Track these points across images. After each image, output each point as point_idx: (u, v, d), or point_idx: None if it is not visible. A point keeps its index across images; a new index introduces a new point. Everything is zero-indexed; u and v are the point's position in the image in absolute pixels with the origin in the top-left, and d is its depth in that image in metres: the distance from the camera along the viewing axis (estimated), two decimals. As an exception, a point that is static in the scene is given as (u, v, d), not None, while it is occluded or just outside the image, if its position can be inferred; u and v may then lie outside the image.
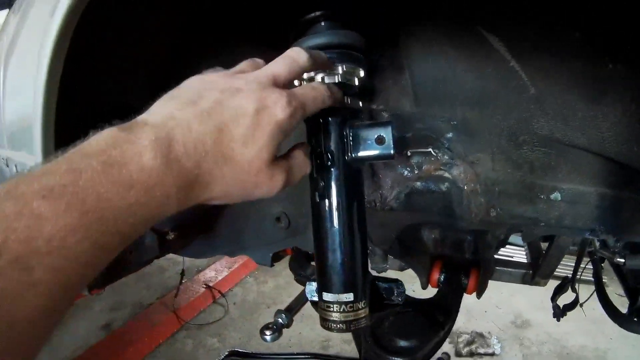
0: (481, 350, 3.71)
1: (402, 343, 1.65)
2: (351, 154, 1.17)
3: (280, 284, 5.20)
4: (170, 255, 2.06)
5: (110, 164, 0.61)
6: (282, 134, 0.82)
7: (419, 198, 1.62)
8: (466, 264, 1.84)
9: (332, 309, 1.26)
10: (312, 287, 1.45)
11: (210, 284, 5.06)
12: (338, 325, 1.26)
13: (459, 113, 1.47)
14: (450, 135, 1.51)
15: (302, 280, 2.10)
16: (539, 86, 1.35)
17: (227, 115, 0.75)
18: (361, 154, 1.17)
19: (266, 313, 4.65)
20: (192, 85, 0.84)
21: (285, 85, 0.88)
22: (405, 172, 1.60)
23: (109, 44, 1.43)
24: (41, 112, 1.25)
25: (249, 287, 5.22)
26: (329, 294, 1.26)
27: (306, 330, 4.13)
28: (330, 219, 1.22)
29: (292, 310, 1.92)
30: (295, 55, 0.96)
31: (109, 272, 1.83)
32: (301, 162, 0.98)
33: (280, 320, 1.83)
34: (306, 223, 1.85)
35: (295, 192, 1.83)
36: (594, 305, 2.19)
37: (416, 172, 1.59)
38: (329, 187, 1.20)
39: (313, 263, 2.05)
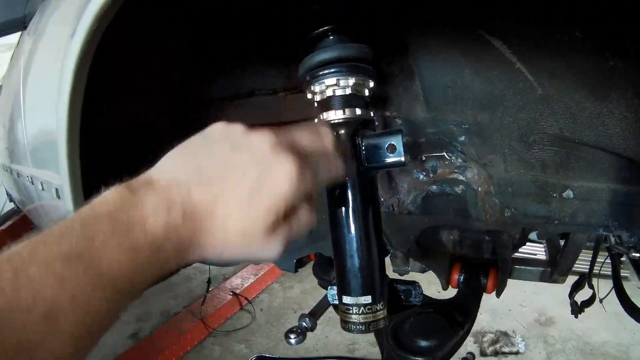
0: (506, 349, 3.70)
1: (423, 343, 1.67)
2: (364, 164, 1.20)
3: (306, 289, 5.21)
4: (197, 264, 2.08)
5: (119, 229, 0.66)
6: (285, 206, 0.80)
7: (435, 201, 1.64)
8: (485, 264, 1.86)
9: (351, 311, 1.31)
10: (333, 291, 1.53)
11: (237, 291, 5.07)
12: (357, 327, 1.31)
13: (470, 116, 1.49)
14: (462, 138, 1.53)
15: (325, 284, 2.11)
16: (546, 86, 1.36)
17: (228, 181, 0.76)
18: (374, 162, 1.20)
19: (293, 318, 4.64)
20: (211, 136, 0.85)
21: (301, 155, 0.83)
22: (421, 177, 1.63)
23: (128, 65, 1.46)
24: (65, 133, 1.27)
25: (275, 293, 5.23)
26: (348, 297, 1.30)
27: (332, 333, 4.14)
28: (346, 225, 1.26)
29: (315, 314, 1.94)
30: (324, 133, 0.96)
31: None
32: (306, 220, 0.93)
33: (304, 324, 1.85)
34: (327, 229, 1.80)
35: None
36: (616, 300, 2.20)
37: (431, 176, 1.63)
38: (345, 195, 1.24)
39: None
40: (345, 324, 1.35)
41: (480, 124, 1.50)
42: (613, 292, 2.27)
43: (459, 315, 1.74)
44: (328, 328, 4.16)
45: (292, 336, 1.76)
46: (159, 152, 1.75)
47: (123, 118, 1.63)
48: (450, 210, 1.64)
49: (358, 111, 1.22)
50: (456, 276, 1.87)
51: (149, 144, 1.66)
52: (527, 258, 2.25)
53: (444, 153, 1.58)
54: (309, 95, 1.30)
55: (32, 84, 1.90)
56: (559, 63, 1.33)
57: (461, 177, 1.58)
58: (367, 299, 1.30)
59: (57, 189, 1.62)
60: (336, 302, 1.46)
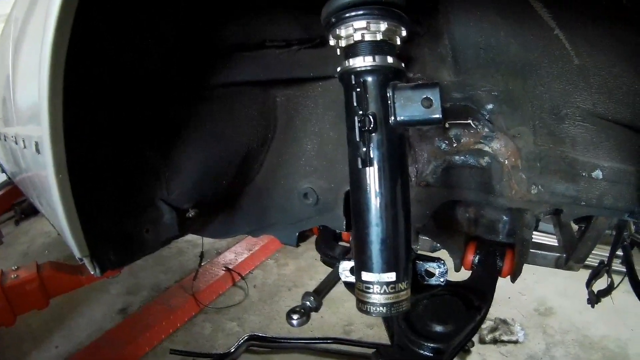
0: (505, 338, 3.69)
1: (438, 328, 1.59)
2: (395, 118, 1.11)
3: (301, 266, 5.19)
4: (189, 238, 2.02)
5: None
6: None
7: (456, 173, 1.58)
8: (501, 246, 1.79)
9: (371, 290, 1.21)
10: (346, 266, 1.41)
11: (230, 267, 5.04)
12: (378, 308, 1.22)
13: (501, 83, 1.42)
14: (491, 106, 1.46)
15: (329, 261, 2.04)
16: (583, 56, 1.31)
17: None
18: (406, 117, 1.10)
19: (287, 296, 4.65)
20: None
21: None
22: (443, 146, 1.55)
23: (123, 8, 1.40)
24: (47, 78, 1.19)
25: (270, 270, 5.22)
26: (369, 274, 1.20)
27: (328, 314, 4.13)
28: (373, 188, 1.15)
29: (321, 292, 1.83)
30: None
31: (125, 253, 1.78)
32: None
33: (308, 303, 1.75)
34: (335, 199, 1.79)
35: (324, 165, 1.78)
36: (616, 295, 2.20)
37: (454, 145, 1.55)
38: (372, 153, 1.13)
39: (342, 243, 2.02)
40: (363, 305, 1.25)
41: (511, 92, 1.43)
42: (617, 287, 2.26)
43: (475, 298, 1.67)
44: (324, 308, 4.15)
45: (295, 317, 1.68)
46: (157, 104, 1.63)
47: (114, 65, 1.54)
48: (473, 184, 1.58)
49: (389, 59, 1.13)
50: (471, 257, 1.79)
51: (146, 94, 1.63)
52: (542, 243, 2.20)
53: (470, 121, 1.49)
54: (332, 41, 1.21)
55: (25, 50, 1.85)
56: (600, 32, 1.28)
57: (487, 148, 1.50)
58: (391, 277, 1.21)
59: (36, 143, 1.53)
60: (348, 279, 1.40)
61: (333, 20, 1.16)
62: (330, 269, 1.92)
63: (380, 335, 3.59)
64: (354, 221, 1.23)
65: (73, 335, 4.15)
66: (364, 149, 1.13)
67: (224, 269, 4.96)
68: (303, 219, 1.92)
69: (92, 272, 1.68)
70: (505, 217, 1.78)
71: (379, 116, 1.11)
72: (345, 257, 1.73)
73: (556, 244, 2.18)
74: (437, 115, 1.07)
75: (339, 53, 1.23)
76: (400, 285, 1.20)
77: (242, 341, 3.83)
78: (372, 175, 1.14)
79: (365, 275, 1.20)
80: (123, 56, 1.54)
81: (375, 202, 1.15)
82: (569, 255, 2.04)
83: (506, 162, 1.48)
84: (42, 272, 3.42)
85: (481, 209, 1.80)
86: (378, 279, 1.19)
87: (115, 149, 1.69)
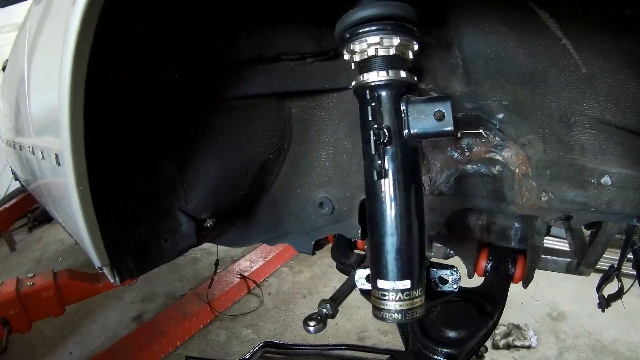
0: (518, 343, 3.69)
1: (452, 334, 1.62)
2: (409, 130, 1.14)
3: (316, 274, 5.18)
4: (204, 246, 2.04)
5: None
6: None
7: (469, 182, 1.60)
8: (514, 252, 1.82)
9: (386, 297, 1.25)
10: (362, 274, 1.47)
11: (245, 274, 5.03)
12: (393, 315, 1.25)
13: (510, 92, 1.44)
14: (501, 115, 1.48)
15: (344, 269, 2.06)
16: (590, 65, 1.32)
17: None
18: (419, 130, 1.14)
19: (302, 303, 4.63)
20: None
21: None
22: (455, 155, 1.58)
23: (138, 21, 1.42)
24: (68, 91, 1.20)
25: (284, 277, 5.21)
26: (384, 281, 1.25)
27: (343, 321, 4.11)
28: (388, 199, 1.19)
29: (337, 299, 1.83)
30: None
31: (144, 262, 1.81)
32: None
33: (324, 310, 1.75)
34: (350, 208, 1.81)
35: (339, 175, 1.80)
36: (627, 299, 2.19)
37: (466, 154, 1.57)
38: (387, 165, 1.17)
39: (356, 251, 2.03)
40: (379, 312, 1.29)
41: (520, 101, 1.45)
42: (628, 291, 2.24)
43: (487, 304, 1.70)
44: (338, 315, 4.11)
45: (312, 323, 1.70)
46: (173, 116, 1.64)
47: (131, 78, 1.56)
48: (485, 192, 1.60)
49: (402, 73, 1.17)
50: (483, 263, 1.82)
51: (162, 107, 1.65)
52: (553, 248, 2.21)
53: (481, 130, 1.52)
54: (346, 56, 1.24)
55: (39, 57, 1.86)
56: (606, 41, 1.29)
57: (498, 157, 1.53)
58: (406, 284, 1.26)
59: (56, 155, 1.54)
60: (364, 286, 1.46)
61: (347, 35, 1.19)
62: (345, 277, 1.92)
63: (394, 342, 3.58)
64: (369, 230, 1.26)
65: (87, 341, 4.16)
66: (379, 162, 1.16)
67: (239, 276, 4.96)
68: (318, 228, 1.94)
69: (111, 281, 1.71)
70: (516, 224, 1.80)
71: (393, 129, 1.15)
72: (360, 265, 1.80)
73: (567, 249, 2.20)
74: (449, 128, 1.10)
75: (353, 67, 1.26)
76: (414, 292, 1.24)
77: (257, 348, 3.82)
78: (387, 187, 1.17)
79: (381, 283, 1.24)
80: (139, 70, 1.56)
81: (390, 212, 1.18)
82: (580, 260, 2.05)
83: (517, 170, 1.50)
84: (58, 280, 3.43)
85: (493, 217, 1.81)
86: (393, 286, 1.23)
87: (132, 160, 1.71)
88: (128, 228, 1.72)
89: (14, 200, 6.02)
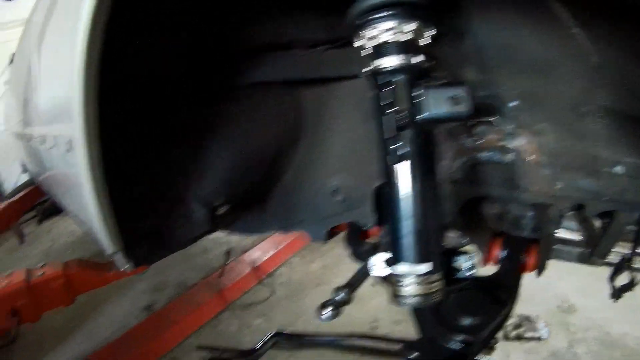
0: (528, 335, 3.68)
1: (467, 321, 1.63)
2: (424, 115, 1.17)
3: (327, 264, 5.13)
4: (214, 236, 2.06)
5: None
6: None
7: (482, 169, 1.62)
8: (527, 241, 1.83)
9: (405, 282, 1.28)
10: (376, 260, 1.53)
11: (256, 264, 5.00)
12: (412, 299, 1.29)
13: (523, 81, 1.47)
14: (514, 104, 1.50)
15: (358, 256, 2.06)
16: (601, 54, 1.34)
17: None
18: (434, 114, 1.16)
19: (313, 293, 4.62)
20: None
21: None
22: (469, 143, 1.60)
23: (149, 13, 1.44)
24: (81, 78, 1.22)
25: (295, 267, 5.19)
26: (403, 265, 1.27)
27: (354, 310, 3.96)
28: (407, 182, 1.22)
29: (352, 286, 1.93)
30: None
31: (157, 249, 1.84)
32: None
33: (339, 297, 1.85)
34: (364, 196, 1.82)
35: (352, 162, 1.82)
36: (637, 293, 2.18)
37: (479, 142, 1.60)
38: (404, 149, 1.20)
39: (369, 240, 2.03)
40: (397, 297, 1.33)
41: (533, 90, 1.48)
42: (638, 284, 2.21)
43: (502, 293, 1.72)
44: (350, 306, 4.14)
45: (326, 310, 1.79)
46: (184, 104, 1.64)
47: (142, 67, 1.59)
48: (498, 180, 1.63)
49: (417, 58, 1.20)
50: (497, 252, 1.83)
51: (173, 95, 1.69)
52: (565, 238, 2.22)
53: (494, 118, 1.56)
54: (359, 42, 1.27)
55: (48, 49, 1.88)
56: (617, 29, 1.31)
57: (511, 145, 1.55)
58: (425, 267, 1.28)
59: (68, 141, 1.55)
60: (380, 273, 1.51)
61: (360, 21, 1.21)
62: (359, 265, 2.00)
63: (407, 331, 3.54)
64: (389, 215, 1.29)
65: (96, 332, 4.17)
66: (396, 146, 1.19)
67: (250, 266, 4.93)
68: (332, 216, 1.95)
69: (123, 267, 1.71)
70: (530, 213, 1.79)
71: (410, 113, 1.17)
72: (373, 252, 1.78)
73: (579, 239, 2.21)
74: (464, 111, 1.12)
75: (366, 53, 1.28)
76: (433, 276, 1.28)
77: (268, 337, 3.70)
78: (405, 170, 1.20)
79: (401, 267, 1.27)
80: (150, 58, 1.60)
81: (409, 195, 1.21)
82: (592, 251, 2.06)
83: (529, 159, 1.52)
84: (68, 270, 3.41)
85: (506, 205, 1.81)
86: (413, 269, 1.25)
87: (144, 147, 1.74)
88: (140, 215, 1.76)
89: (22, 193, 6.05)
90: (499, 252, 1.82)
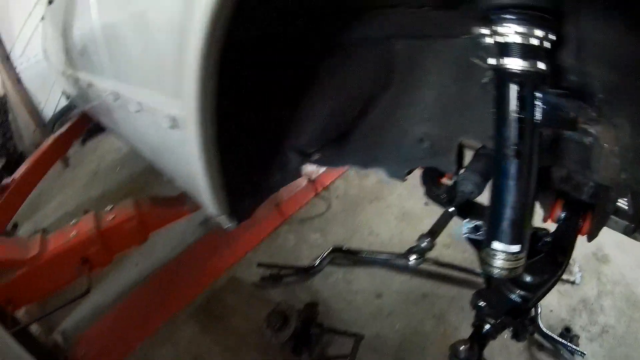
0: (564, 277, 3.65)
1: (528, 278, 1.78)
2: (540, 119, 1.31)
3: (382, 179, 4.86)
4: None
5: None
6: None
7: (563, 144, 1.67)
8: (584, 207, 1.93)
9: (498, 257, 1.47)
10: (468, 226, 1.74)
11: (313, 178, 4.95)
12: (500, 271, 1.48)
13: (614, 77, 1.49)
14: (601, 96, 1.54)
15: (433, 196, 2.21)
16: None
17: None
18: (549, 120, 1.32)
19: (368, 209, 4.58)
20: None
21: None
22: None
23: None
24: (203, 51, 1.21)
25: (351, 181, 5.13)
26: (499, 243, 1.45)
27: (408, 231, 4.14)
28: (515, 177, 1.36)
29: (434, 233, 2.03)
30: None
31: (255, 201, 1.99)
32: None
33: (424, 245, 1.97)
34: (449, 146, 1.94)
35: (441, 115, 1.92)
36: None
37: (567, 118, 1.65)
38: (519, 147, 1.33)
39: (444, 181, 2.19)
40: (487, 266, 1.51)
41: (619, 87, 1.51)
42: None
43: (559, 255, 1.86)
44: (404, 224, 4.17)
45: (413, 257, 1.93)
46: (292, 63, 1.77)
47: (260, 30, 1.68)
48: (574, 157, 1.69)
49: (541, 65, 1.28)
50: (558, 212, 1.92)
51: (283, 55, 1.79)
52: (616, 207, 2.30)
53: (581, 102, 1.57)
54: (483, 30, 1.35)
55: None
56: None
57: (591, 130, 1.59)
58: (516, 248, 1.45)
59: (174, 119, 1.57)
60: (469, 236, 1.70)
61: (495, 15, 1.29)
62: (434, 204, 2.18)
63: (454, 256, 3.66)
64: (492, 199, 1.44)
65: (154, 252, 4.19)
66: (513, 144, 1.32)
67: (307, 179, 4.89)
68: (414, 159, 2.09)
69: (228, 226, 1.87)
70: (592, 182, 1.88)
71: (527, 116, 1.29)
72: (449, 197, 2.04)
73: (628, 211, 2.30)
74: (572, 123, 1.30)
75: (489, 42, 1.34)
76: (520, 255, 1.46)
77: (326, 254, 3.89)
78: (516, 167, 1.34)
79: (496, 244, 1.45)
80: (264, 14, 1.66)
81: (514, 189, 1.36)
82: (636, 227, 2.12)
83: (605, 146, 1.57)
84: (140, 210, 3.24)
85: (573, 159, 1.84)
86: (506, 249, 1.43)
87: (250, 106, 1.86)
88: (245, 175, 1.90)
89: (71, 123, 5.78)
90: (559, 213, 1.92)
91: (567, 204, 1.92)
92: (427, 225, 3.63)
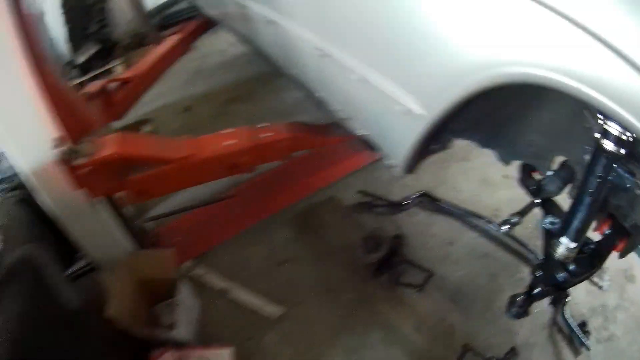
0: (595, 279, 3.75)
1: (572, 267, 2.10)
2: (623, 188, 1.68)
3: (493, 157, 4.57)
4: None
5: None
6: None
7: (618, 190, 1.79)
8: (624, 231, 2.00)
9: (561, 247, 1.92)
10: (548, 219, 2.17)
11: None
12: (559, 256, 1.92)
13: None
14: None
15: (525, 186, 2.48)
16: None
17: None
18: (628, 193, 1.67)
19: (456, 167, 4.69)
20: None
21: None
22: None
23: None
24: None
25: None
26: (566, 239, 1.89)
27: (485, 195, 4.27)
28: (587, 206, 1.79)
29: (523, 213, 2.50)
30: None
31: (421, 157, 2.38)
32: None
33: (513, 220, 2.49)
34: (548, 155, 2.22)
35: (550, 132, 2.14)
36: None
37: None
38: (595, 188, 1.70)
39: (536, 176, 2.42)
40: (549, 248, 1.96)
41: None
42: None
43: (596, 260, 2.12)
44: (482, 188, 4.28)
45: (506, 227, 2.53)
46: None
47: None
48: (627, 197, 1.80)
49: (622, 150, 1.56)
50: (604, 228, 2.08)
51: None
52: None
53: None
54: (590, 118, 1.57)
55: None
56: None
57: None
58: (574, 245, 1.88)
59: (408, 111, 1.91)
60: (548, 226, 2.11)
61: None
62: (524, 190, 2.48)
63: (520, 231, 3.60)
64: (574, 209, 1.82)
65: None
66: (592, 187, 1.70)
67: None
68: (520, 155, 2.40)
69: (401, 174, 2.33)
70: (634, 215, 1.86)
71: (605, 175, 1.64)
72: (538, 188, 2.33)
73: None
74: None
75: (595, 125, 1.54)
76: (575, 250, 1.88)
77: (416, 196, 4.13)
78: (590, 200, 1.74)
79: (563, 239, 1.87)
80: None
81: (586, 208, 1.77)
82: None
83: None
84: (295, 133, 3.45)
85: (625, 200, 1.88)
86: (569, 244, 1.88)
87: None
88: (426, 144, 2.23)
89: (192, 27, 6.05)
90: (605, 229, 2.07)
91: (613, 224, 2.04)
92: (502, 195, 4.07)
